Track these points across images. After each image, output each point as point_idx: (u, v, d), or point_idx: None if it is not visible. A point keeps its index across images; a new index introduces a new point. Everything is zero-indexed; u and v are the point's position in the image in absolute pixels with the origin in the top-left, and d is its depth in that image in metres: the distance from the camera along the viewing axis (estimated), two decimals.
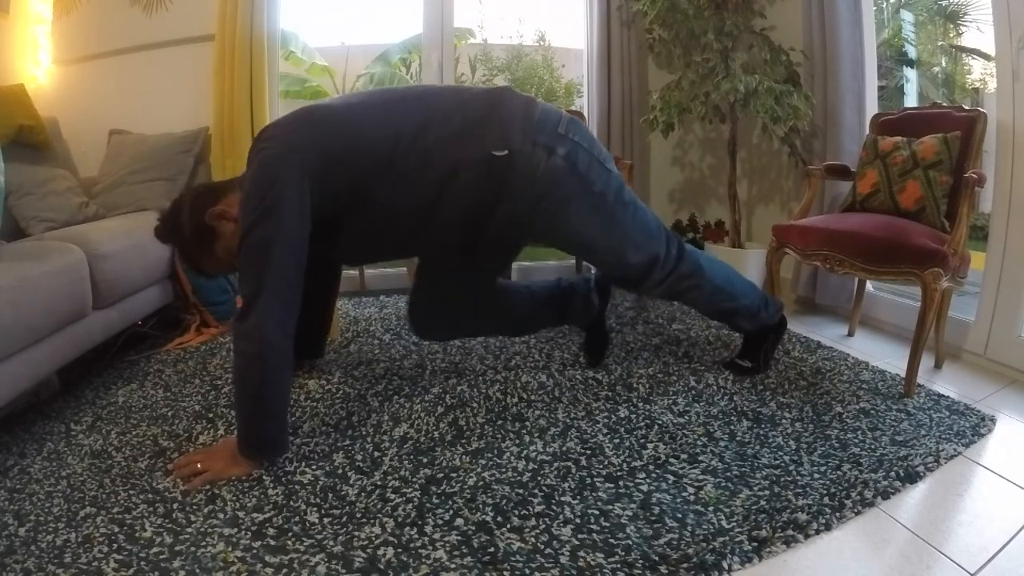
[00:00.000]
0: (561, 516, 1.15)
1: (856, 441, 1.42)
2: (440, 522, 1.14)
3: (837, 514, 1.15)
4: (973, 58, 4.94)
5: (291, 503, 1.20)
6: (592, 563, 1.03)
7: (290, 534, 1.11)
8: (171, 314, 2.33)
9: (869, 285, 2.35)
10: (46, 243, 1.73)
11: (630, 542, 1.08)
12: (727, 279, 1.72)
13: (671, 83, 2.70)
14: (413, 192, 1.36)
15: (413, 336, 2.16)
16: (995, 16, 1.90)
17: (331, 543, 1.08)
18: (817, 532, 1.11)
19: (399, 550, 1.06)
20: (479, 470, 1.32)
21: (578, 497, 1.21)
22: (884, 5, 4.78)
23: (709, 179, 3.22)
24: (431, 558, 1.04)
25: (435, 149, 1.34)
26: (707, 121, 2.70)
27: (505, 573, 1.01)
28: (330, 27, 6.76)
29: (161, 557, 1.05)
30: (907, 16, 4.96)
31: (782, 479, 1.27)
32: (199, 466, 1.30)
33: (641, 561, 1.03)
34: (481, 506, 1.19)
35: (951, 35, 5.09)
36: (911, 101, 4.91)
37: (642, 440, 1.44)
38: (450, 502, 1.20)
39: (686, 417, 1.55)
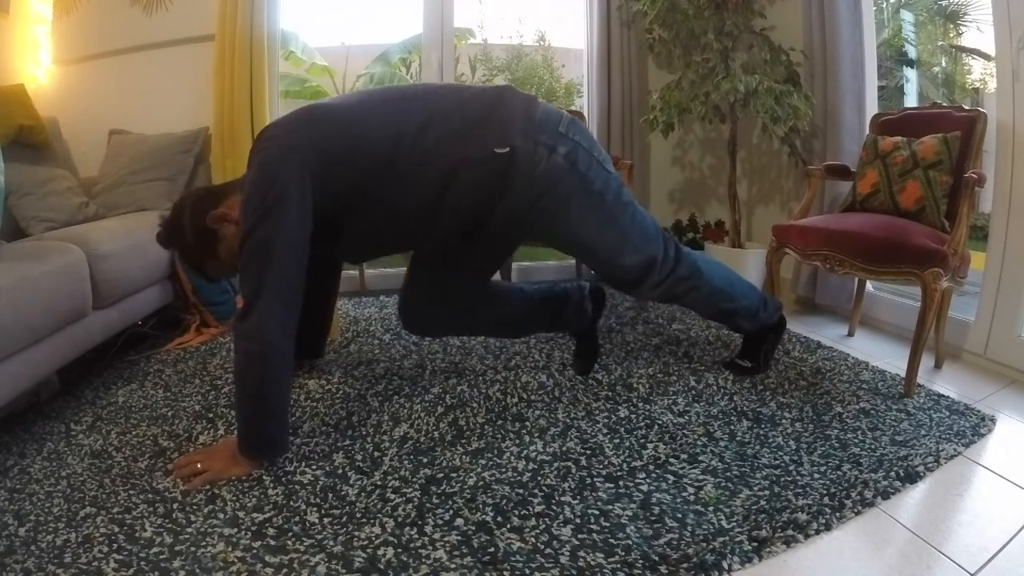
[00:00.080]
0: (561, 516, 1.15)
1: (856, 441, 1.42)
2: (440, 522, 1.14)
3: (837, 514, 1.16)
4: (973, 58, 4.94)
5: (291, 503, 1.20)
6: (592, 563, 1.03)
7: (290, 534, 1.11)
8: (171, 314, 2.33)
9: (869, 285, 2.35)
10: (46, 243, 1.74)
11: (630, 542, 1.08)
12: (725, 280, 1.72)
13: (671, 83, 2.70)
14: (414, 191, 1.36)
15: (414, 336, 2.17)
16: (995, 16, 1.90)
17: (331, 543, 1.08)
18: (817, 532, 1.11)
19: (399, 550, 1.06)
20: (479, 470, 1.32)
21: (578, 497, 1.21)
22: (884, 5, 4.78)
23: (709, 179, 3.22)
24: (431, 558, 1.04)
25: (436, 148, 1.34)
26: (707, 121, 2.70)
27: (505, 573, 1.01)
28: (330, 27, 6.76)
29: (161, 557, 1.05)
30: (907, 16, 4.95)
31: (782, 479, 1.27)
32: (199, 466, 1.30)
33: (641, 561, 1.03)
34: (481, 506, 1.19)
35: (951, 35, 5.09)
36: (911, 101, 4.91)
37: (642, 440, 1.44)
38: (450, 502, 1.20)
39: (686, 417, 1.55)
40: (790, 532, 1.10)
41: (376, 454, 1.39)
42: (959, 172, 1.84)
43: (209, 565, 1.03)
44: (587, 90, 3.08)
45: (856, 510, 1.17)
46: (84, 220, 2.13)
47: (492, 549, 1.06)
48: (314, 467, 1.33)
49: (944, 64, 5.09)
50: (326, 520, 1.15)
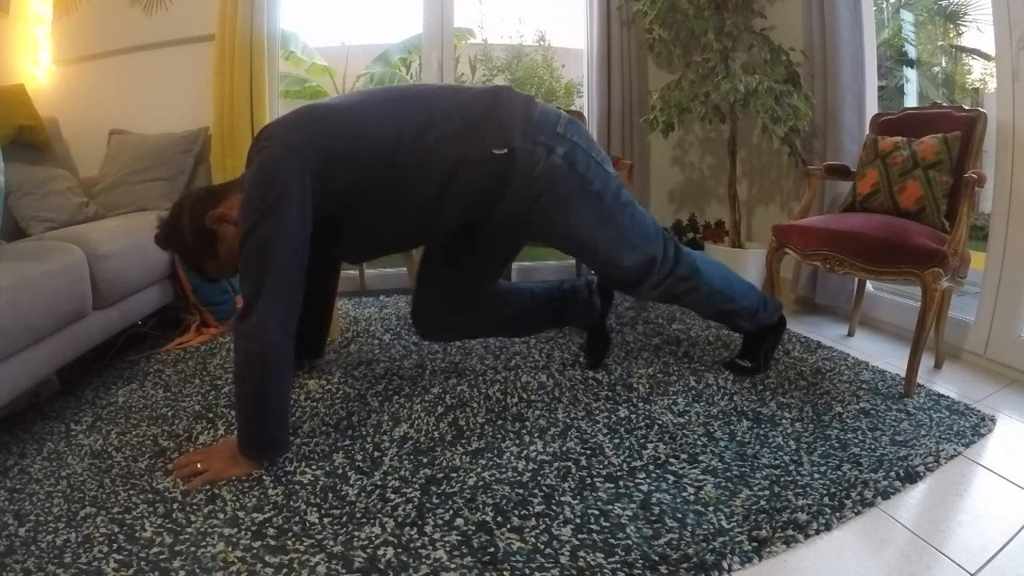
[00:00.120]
0: (561, 516, 1.15)
1: (856, 441, 1.42)
2: (440, 522, 1.14)
3: (837, 514, 1.15)
4: (973, 58, 4.94)
5: (291, 503, 1.20)
6: (592, 563, 1.03)
7: (290, 534, 1.11)
8: (171, 314, 2.33)
9: (869, 285, 2.35)
10: (46, 243, 1.74)
11: (630, 542, 1.08)
12: (725, 280, 1.72)
13: (671, 83, 2.70)
14: (414, 191, 1.37)
15: (415, 336, 2.17)
16: (995, 16, 1.90)
17: (331, 543, 1.08)
18: (817, 532, 1.11)
19: (399, 550, 1.06)
20: (479, 470, 1.32)
21: (578, 497, 1.21)
22: (884, 5, 4.78)
23: (709, 179, 3.22)
24: (431, 558, 1.04)
25: (436, 148, 1.34)
26: (707, 121, 2.70)
27: (505, 573, 1.01)
28: (330, 27, 6.76)
29: (161, 557, 1.05)
30: (907, 16, 4.95)
31: (782, 479, 1.27)
32: (199, 466, 1.30)
33: (641, 561, 1.03)
34: (481, 506, 1.19)
35: (951, 35, 5.09)
36: (911, 101, 4.91)
37: (642, 440, 1.44)
38: (450, 502, 1.20)
39: (686, 417, 1.55)
40: (790, 532, 1.10)
41: (376, 454, 1.39)
42: (959, 172, 1.84)
43: (209, 565, 1.03)
44: (587, 90, 3.08)
45: (856, 510, 1.17)
46: (84, 220, 2.13)
47: (492, 549, 1.06)
48: (314, 467, 1.33)
49: (944, 64, 5.09)
50: (326, 520, 1.15)
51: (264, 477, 1.29)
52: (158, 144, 2.50)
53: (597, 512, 1.16)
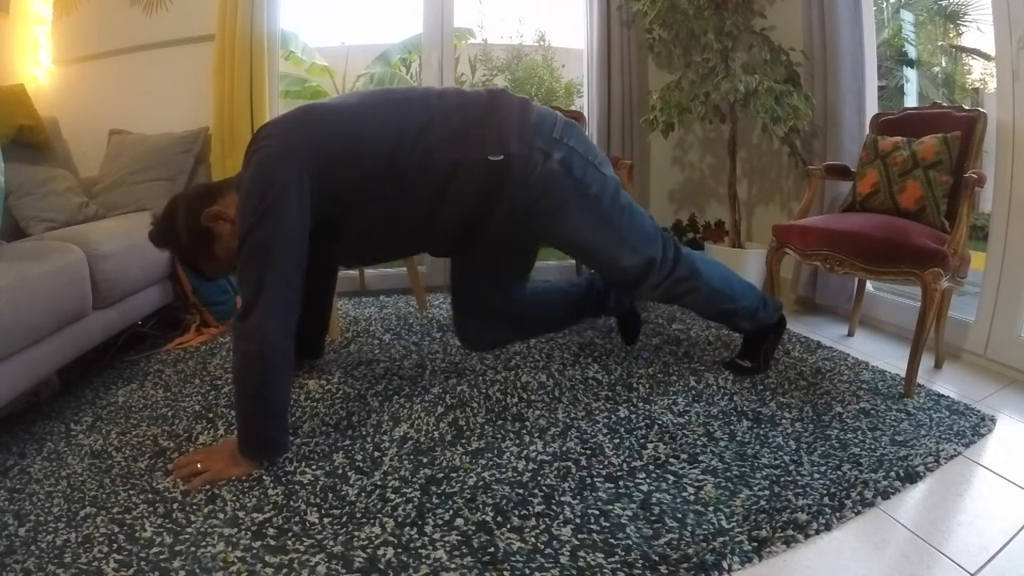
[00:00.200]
0: (561, 516, 1.15)
1: (856, 441, 1.42)
2: (440, 522, 1.14)
3: (837, 514, 1.15)
4: (973, 58, 4.94)
5: (291, 503, 1.20)
6: (592, 563, 1.03)
7: (290, 534, 1.11)
8: (171, 314, 2.33)
9: (869, 285, 2.35)
10: (46, 243, 1.74)
11: (630, 542, 1.08)
12: (725, 281, 1.72)
13: (671, 83, 2.70)
14: (413, 191, 1.37)
15: (414, 336, 2.17)
16: (995, 16, 1.90)
17: (331, 543, 1.08)
18: (817, 532, 1.11)
19: (399, 550, 1.06)
20: (479, 470, 1.32)
21: (578, 497, 1.21)
22: (884, 5, 4.78)
23: (709, 179, 3.22)
24: (431, 558, 1.04)
25: (436, 148, 1.34)
26: (707, 121, 2.70)
27: (505, 573, 1.01)
28: (330, 27, 6.75)
29: (161, 557, 1.05)
30: (907, 16, 4.95)
31: (782, 479, 1.27)
32: (199, 466, 1.30)
33: (641, 561, 1.03)
34: (481, 506, 1.19)
35: (951, 35, 5.09)
36: (911, 101, 4.91)
37: (642, 440, 1.44)
38: (450, 502, 1.20)
39: (686, 417, 1.55)
40: (790, 532, 1.10)
41: (376, 454, 1.39)
42: (959, 172, 1.84)
43: (209, 565, 1.03)
44: (587, 90, 3.08)
45: (856, 510, 1.17)
46: (84, 220, 2.13)
47: (492, 549, 1.06)
48: (314, 467, 1.33)
49: (944, 64, 5.09)
50: (326, 520, 1.15)
51: (264, 477, 1.29)
52: (158, 144, 2.50)
53: (597, 512, 1.16)
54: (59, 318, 1.56)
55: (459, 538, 1.09)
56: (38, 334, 1.48)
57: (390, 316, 2.46)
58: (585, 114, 2.98)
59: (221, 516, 1.16)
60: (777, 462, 1.34)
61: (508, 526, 1.13)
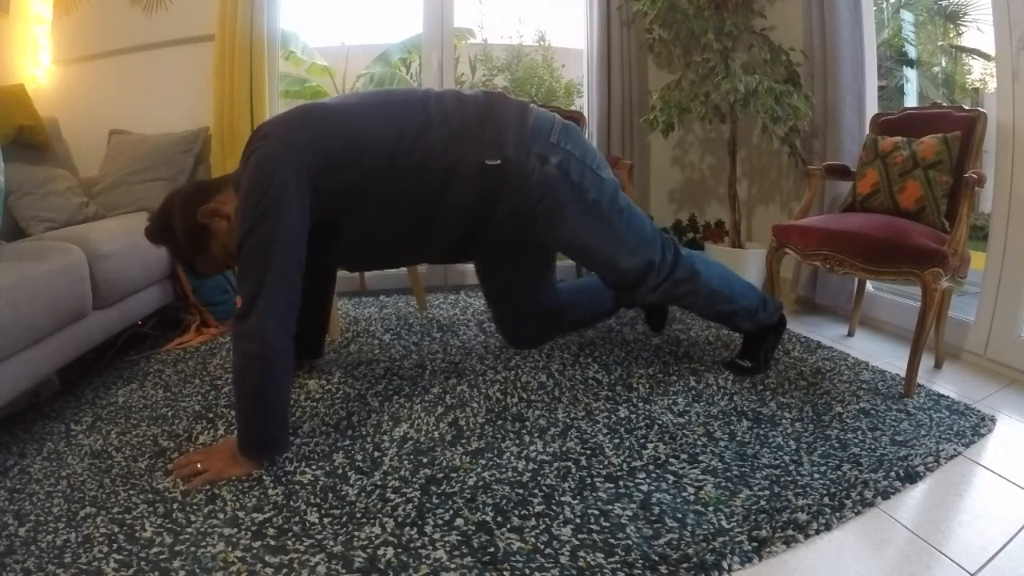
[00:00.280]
0: (561, 516, 1.15)
1: (856, 441, 1.42)
2: (440, 522, 1.14)
3: (837, 514, 1.15)
4: (973, 58, 4.93)
5: (291, 503, 1.20)
6: (592, 563, 1.03)
7: (290, 534, 1.11)
8: (171, 314, 2.33)
9: (869, 285, 2.35)
10: (46, 243, 1.74)
11: (630, 542, 1.08)
12: (724, 281, 1.72)
13: (671, 83, 2.70)
14: (413, 192, 1.37)
15: (414, 336, 2.17)
16: (995, 16, 1.90)
17: (331, 543, 1.08)
18: (817, 532, 1.11)
19: (399, 550, 1.06)
20: (479, 470, 1.32)
21: (578, 497, 1.21)
22: (884, 5, 4.77)
23: (709, 179, 3.22)
24: (431, 558, 1.04)
25: (436, 148, 1.34)
26: (707, 121, 2.70)
27: (505, 573, 1.01)
28: (330, 27, 6.74)
29: (161, 557, 1.05)
30: (907, 16, 4.95)
31: (782, 479, 1.27)
32: (199, 466, 1.30)
33: (641, 561, 1.03)
34: (481, 506, 1.19)
35: (951, 35, 5.09)
36: (911, 101, 4.91)
37: (642, 440, 1.44)
38: (450, 502, 1.20)
39: (686, 417, 1.55)
40: (790, 532, 1.10)
41: (376, 454, 1.39)
42: (959, 172, 1.84)
43: (209, 565, 1.03)
44: (587, 90, 3.08)
45: (856, 510, 1.17)
46: (84, 220, 2.13)
47: (492, 549, 1.06)
48: (314, 467, 1.33)
49: (944, 64, 5.09)
50: (326, 520, 1.15)
51: (264, 477, 1.29)
52: (158, 144, 2.50)
53: (597, 512, 1.16)
54: (59, 318, 1.56)
55: (459, 538, 1.09)
56: (38, 334, 1.48)
57: (390, 316, 2.46)
58: (585, 114, 2.98)
59: (221, 516, 1.16)
60: (777, 462, 1.34)
61: (508, 526, 1.13)
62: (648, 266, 1.57)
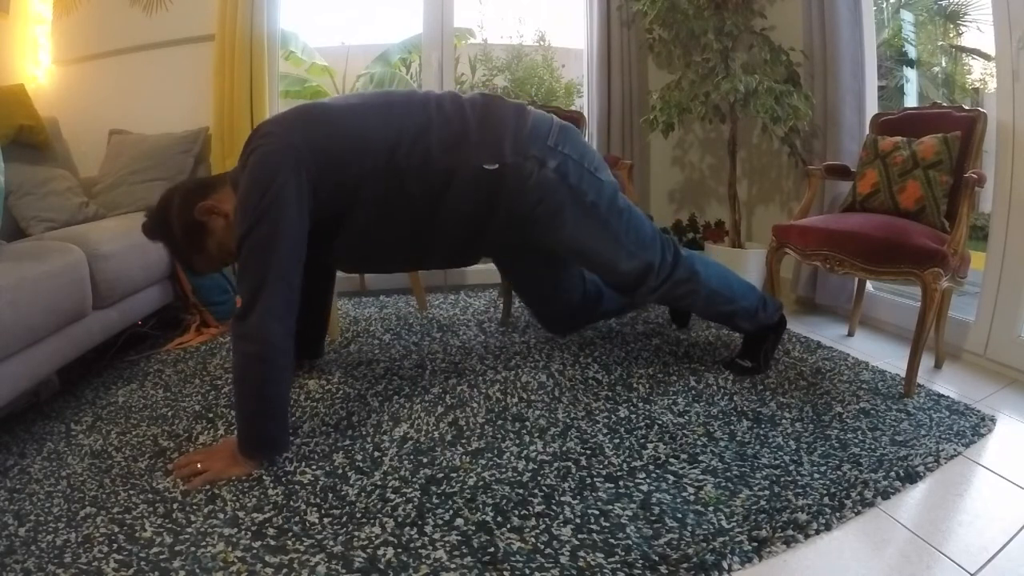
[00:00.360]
0: (561, 516, 1.15)
1: (856, 441, 1.42)
2: (440, 522, 1.14)
3: (837, 514, 1.15)
4: (973, 58, 4.93)
5: (291, 503, 1.20)
6: (592, 563, 1.03)
7: (290, 534, 1.11)
8: (171, 314, 2.33)
9: (869, 285, 2.35)
10: (46, 243, 1.74)
11: (630, 542, 1.08)
12: (724, 282, 1.72)
13: (671, 83, 2.71)
14: (412, 193, 1.37)
15: (414, 336, 2.17)
16: (995, 16, 1.90)
17: (331, 543, 1.08)
18: (817, 532, 1.11)
19: (399, 550, 1.06)
20: (479, 470, 1.32)
21: (578, 497, 1.21)
22: (884, 5, 4.77)
23: (709, 179, 3.22)
24: (431, 558, 1.04)
25: (435, 149, 1.35)
26: (707, 121, 2.70)
27: (505, 573, 1.01)
28: (330, 27, 6.74)
29: (161, 557, 1.04)
30: (907, 16, 4.95)
31: (782, 479, 1.27)
32: (199, 466, 1.30)
33: (641, 561, 1.03)
34: (481, 506, 1.19)
35: (951, 35, 5.08)
36: (911, 101, 4.90)
37: (642, 440, 1.44)
38: (450, 502, 1.20)
39: (686, 417, 1.55)
40: (790, 532, 1.10)
41: (376, 454, 1.38)
42: (959, 172, 1.84)
43: (209, 565, 1.03)
44: (587, 90, 3.08)
45: (856, 510, 1.17)
46: (84, 220, 2.13)
47: (492, 549, 1.06)
48: (314, 467, 1.33)
49: (944, 64, 5.09)
50: (326, 520, 1.15)
51: (264, 477, 1.29)
52: (158, 144, 2.50)
53: (597, 512, 1.16)
54: (59, 318, 1.56)
55: (459, 538, 1.09)
56: (38, 334, 1.48)
57: (390, 316, 2.46)
58: (585, 114, 2.97)
59: (221, 516, 1.16)
60: (777, 462, 1.34)
61: (508, 526, 1.13)
62: (647, 268, 1.57)
